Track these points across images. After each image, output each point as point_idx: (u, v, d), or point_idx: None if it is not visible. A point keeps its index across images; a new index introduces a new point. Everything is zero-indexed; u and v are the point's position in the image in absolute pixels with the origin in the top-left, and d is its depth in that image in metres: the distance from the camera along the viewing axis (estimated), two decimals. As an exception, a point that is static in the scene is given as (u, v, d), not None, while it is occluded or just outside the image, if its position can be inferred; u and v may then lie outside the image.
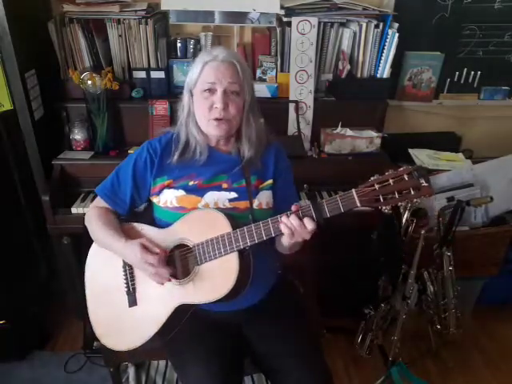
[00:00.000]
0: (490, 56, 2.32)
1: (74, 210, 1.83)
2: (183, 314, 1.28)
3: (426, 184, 1.05)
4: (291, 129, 2.06)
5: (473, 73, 2.36)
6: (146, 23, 1.92)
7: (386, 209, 1.08)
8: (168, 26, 2.13)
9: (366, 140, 2.00)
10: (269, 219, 1.18)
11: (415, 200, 1.07)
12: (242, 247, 1.19)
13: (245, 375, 1.40)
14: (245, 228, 1.19)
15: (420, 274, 1.93)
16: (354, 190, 1.09)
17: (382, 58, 2.04)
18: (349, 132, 2.02)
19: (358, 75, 2.08)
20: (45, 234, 1.88)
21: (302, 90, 2.04)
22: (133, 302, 1.33)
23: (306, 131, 2.08)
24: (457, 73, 2.36)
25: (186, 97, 1.31)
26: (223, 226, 1.21)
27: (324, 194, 1.96)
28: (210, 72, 1.24)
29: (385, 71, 2.06)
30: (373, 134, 2.03)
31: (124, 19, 1.92)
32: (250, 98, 1.29)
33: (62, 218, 1.83)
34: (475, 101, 2.41)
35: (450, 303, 1.96)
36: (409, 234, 1.85)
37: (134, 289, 1.33)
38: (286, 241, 1.19)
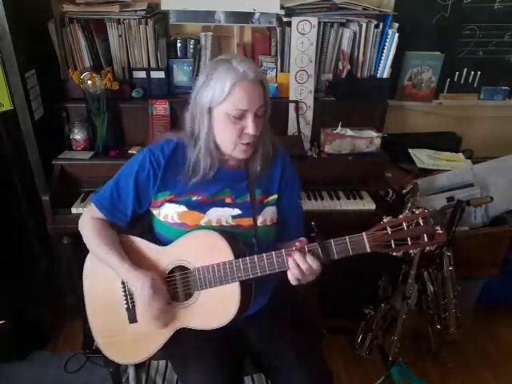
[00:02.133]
0: (490, 56, 2.32)
1: (74, 210, 1.83)
2: (184, 333, 1.27)
3: (440, 231, 1.01)
4: (291, 129, 2.06)
5: (473, 73, 2.35)
6: (146, 23, 1.92)
7: (396, 255, 1.04)
8: (168, 26, 2.13)
9: (366, 140, 2.00)
10: (273, 253, 1.14)
11: (427, 248, 1.03)
12: (244, 279, 1.16)
13: (245, 375, 1.40)
14: (247, 259, 1.15)
15: (420, 274, 1.94)
16: (364, 234, 1.05)
17: (382, 58, 2.04)
18: (349, 132, 2.02)
19: (358, 75, 2.08)
20: (45, 233, 1.88)
21: (302, 90, 2.04)
22: (133, 318, 1.29)
23: (306, 131, 2.08)
24: (457, 73, 2.36)
25: (204, 115, 1.18)
26: (225, 253, 1.18)
27: (324, 193, 1.96)
28: (241, 96, 1.13)
29: (385, 71, 2.06)
30: (373, 134, 2.03)
31: (124, 19, 1.92)
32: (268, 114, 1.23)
33: (62, 218, 1.83)
34: (475, 101, 2.41)
35: (449, 303, 1.96)
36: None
37: (133, 306, 1.29)
38: (291, 280, 1.16)
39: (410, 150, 2.28)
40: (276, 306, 1.37)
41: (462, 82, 2.38)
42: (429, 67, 2.28)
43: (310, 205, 1.88)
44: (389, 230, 1.03)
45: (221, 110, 1.16)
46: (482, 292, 2.28)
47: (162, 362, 1.95)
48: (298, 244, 1.12)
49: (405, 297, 1.83)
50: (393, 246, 1.03)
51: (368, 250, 1.05)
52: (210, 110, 1.18)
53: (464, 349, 2.17)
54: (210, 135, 1.20)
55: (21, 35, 1.76)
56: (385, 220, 1.05)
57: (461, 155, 2.29)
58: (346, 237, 1.07)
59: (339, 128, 2.04)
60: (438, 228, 1.00)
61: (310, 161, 1.99)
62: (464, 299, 2.06)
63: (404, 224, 1.02)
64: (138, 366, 1.92)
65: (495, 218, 2.15)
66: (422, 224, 1.01)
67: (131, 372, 1.89)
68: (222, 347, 1.27)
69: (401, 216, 1.04)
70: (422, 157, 2.25)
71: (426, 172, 2.14)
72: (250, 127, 1.16)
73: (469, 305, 2.29)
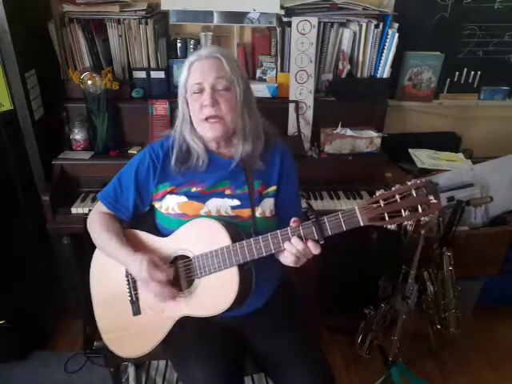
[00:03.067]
0: (490, 56, 2.32)
1: (73, 210, 1.83)
2: (186, 323, 1.27)
3: (434, 201, 0.98)
4: (291, 129, 2.06)
5: (473, 73, 2.36)
6: (146, 23, 1.92)
7: (391, 227, 1.03)
8: (168, 26, 2.13)
9: (366, 140, 2.00)
10: (268, 234, 1.14)
11: (423, 218, 1.00)
12: (241, 262, 1.16)
13: (245, 375, 1.40)
14: (244, 242, 1.16)
15: (420, 274, 1.94)
16: (356, 207, 1.04)
17: (382, 58, 2.04)
18: (349, 132, 2.02)
19: (358, 75, 2.08)
20: (45, 234, 1.88)
21: (302, 90, 2.04)
22: (137, 311, 1.32)
23: (306, 131, 2.08)
24: (457, 73, 2.36)
25: (180, 103, 1.28)
26: (222, 239, 1.18)
27: (324, 193, 1.96)
28: (195, 73, 1.21)
29: (385, 71, 2.06)
30: (373, 133, 2.03)
31: (124, 19, 1.92)
32: (243, 92, 1.23)
33: (61, 218, 1.83)
34: (475, 101, 2.41)
35: (449, 303, 1.96)
36: (409, 234, 1.85)
37: (137, 298, 1.31)
38: (288, 263, 1.16)
39: (410, 150, 2.28)
40: (276, 305, 1.37)
41: (462, 81, 2.38)
42: (429, 67, 2.28)
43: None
44: (381, 203, 1.01)
45: (188, 95, 1.24)
46: (482, 292, 2.27)
47: (162, 362, 1.96)
48: (292, 224, 1.12)
49: (405, 297, 1.83)
50: (387, 218, 1.01)
51: (361, 223, 1.04)
52: (186, 100, 1.26)
53: (464, 349, 2.17)
54: (185, 121, 1.27)
55: (21, 35, 1.76)
56: (377, 193, 1.03)
57: (461, 155, 2.28)
58: (339, 212, 1.07)
59: (339, 128, 2.04)
60: (432, 198, 0.98)
61: (310, 161, 2.00)
62: (464, 299, 2.06)
63: (397, 196, 1.00)
64: (138, 366, 1.93)
65: (495, 218, 2.14)
66: (415, 195, 0.99)
67: (131, 372, 1.89)
68: (222, 346, 1.27)
69: (393, 188, 1.02)
70: (422, 157, 2.25)
71: (426, 172, 2.14)
72: (205, 98, 1.19)
73: (469, 305, 2.28)
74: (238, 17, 1.94)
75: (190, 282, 1.25)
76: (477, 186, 2.07)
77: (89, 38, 1.95)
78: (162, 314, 1.28)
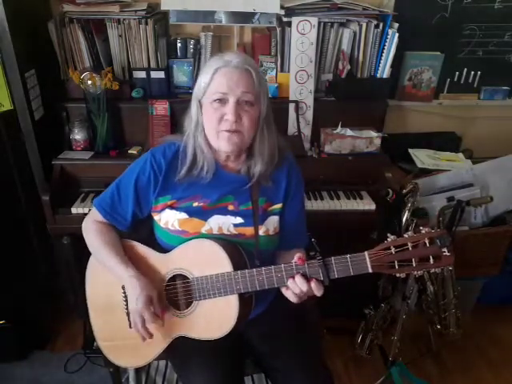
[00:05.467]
0: (489, 56, 2.31)
1: (73, 210, 1.83)
2: (182, 339, 1.26)
3: (447, 253, 0.95)
4: (291, 129, 2.06)
5: (473, 73, 2.35)
6: (146, 23, 1.92)
7: (399, 276, 1.00)
8: (168, 26, 2.13)
9: (366, 140, 2.00)
10: (272, 267, 1.11)
11: (433, 270, 0.98)
12: (242, 291, 1.14)
13: (245, 375, 1.40)
14: (246, 272, 1.13)
15: (420, 274, 1.93)
16: (366, 253, 1.01)
17: (382, 58, 2.04)
18: (349, 132, 2.02)
19: (358, 75, 2.08)
20: (45, 233, 1.88)
21: (302, 90, 2.04)
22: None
23: (306, 131, 2.08)
24: (457, 73, 2.36)
25: (194, 107, 1.21)
26: (224, 264, 1.15)
27: (324, 193, 1.96)
28: (221, 80, 1.14)
29: (385, 71, 2.06)
30: (373, 133, 2.03)
31: (124, 19, 1.92)
32: (266, 109, 1.18)
33: (61, 218, 1.83)
34: (475, 101, 2.41)
35: (449, 303, 1.96)
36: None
37: None
38: (289, 298, 1.14)
39: (410, 150, 2.28)
40: (277, 308, 1.37)
41: (462, 81, 2.37)
42: (429, 67, 2.28)
43: (309, 205, 1.88)
44: (393, 250, 0.98)
45: (206, 100, 1.18)
46: (482, 292, 2.28)
47: (162, 362, 1.95)
48: (297, 261, 1.09)
49: (405, 297, 1.83)
50: (396, 266, 0.98)
51: (370, 270, 1.01)
52: (199, 103, 1.20)
53: (464, 349, 2.17)
54: (199, 127, 1.21)
55: (21, 35, 1.76)
56: (389, 239, 1.00)
57: (461, 155, 2.29)
58: (348, 255, 1.03)
59: (339, 128, 2.04)
60: (445, 250, 0.95)
61: (310, 161, 1.99)
62: (464, 299, 2.06)
63: (409, 244, 0.97)
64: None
65: (495, 218, 2.15)
66: (428, 245, 0.96)
67: (131, 372, 1.89)
68: (222, 348, 1.27)
69: (406, 235, 0.99)
70: (422, 157, 2.25)
71: (426, 172, 2.14)
72: (229, 111, 1.13)
73: (469, 305, 2.29)
74: (241, 17, 1.93)
75: (189, 303, 1.23)
76: (477, 186, 2.07)
77: (89, 38, 1.95)
78: (159, 330, 1.25)
